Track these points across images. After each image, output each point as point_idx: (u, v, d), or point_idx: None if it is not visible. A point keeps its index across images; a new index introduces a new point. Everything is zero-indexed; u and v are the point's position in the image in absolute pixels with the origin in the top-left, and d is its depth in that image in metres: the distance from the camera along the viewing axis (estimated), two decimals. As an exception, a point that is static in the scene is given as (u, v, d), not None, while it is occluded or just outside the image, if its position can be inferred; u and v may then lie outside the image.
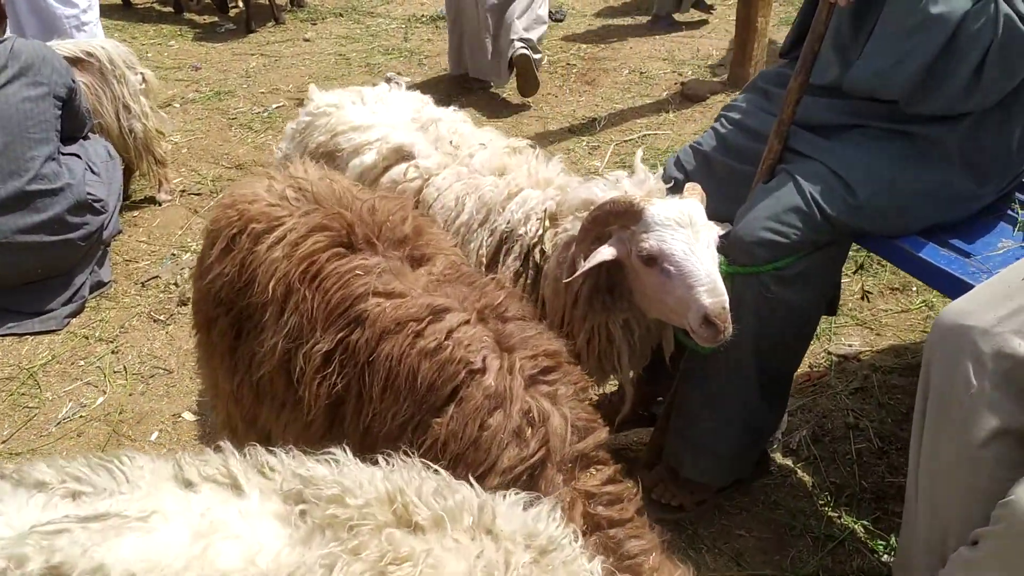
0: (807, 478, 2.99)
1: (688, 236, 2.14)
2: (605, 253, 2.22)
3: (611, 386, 3.19)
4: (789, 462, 3.06)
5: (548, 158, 2.74)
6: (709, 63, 6.90)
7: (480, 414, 1.91)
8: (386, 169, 2.75)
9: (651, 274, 2.18)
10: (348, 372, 2.04)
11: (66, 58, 4.52)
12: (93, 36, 5.70)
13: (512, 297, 2.13)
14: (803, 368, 3.52)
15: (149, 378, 3.68)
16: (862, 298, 3.69)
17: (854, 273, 3.73)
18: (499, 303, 2.07)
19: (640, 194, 2.30)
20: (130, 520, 1.24)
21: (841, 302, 3.76)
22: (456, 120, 2.91)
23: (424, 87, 6.78)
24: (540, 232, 2.50)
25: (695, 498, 2.67)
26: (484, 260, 2.55)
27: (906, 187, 2.23)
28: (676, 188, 2.47)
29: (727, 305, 2.07)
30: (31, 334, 3.99)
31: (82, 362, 3.81)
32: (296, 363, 2.09)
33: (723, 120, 2.63)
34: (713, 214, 2.47)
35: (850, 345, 3.60)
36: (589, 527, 1.85)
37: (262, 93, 6.82)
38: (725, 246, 2.33)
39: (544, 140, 5.76)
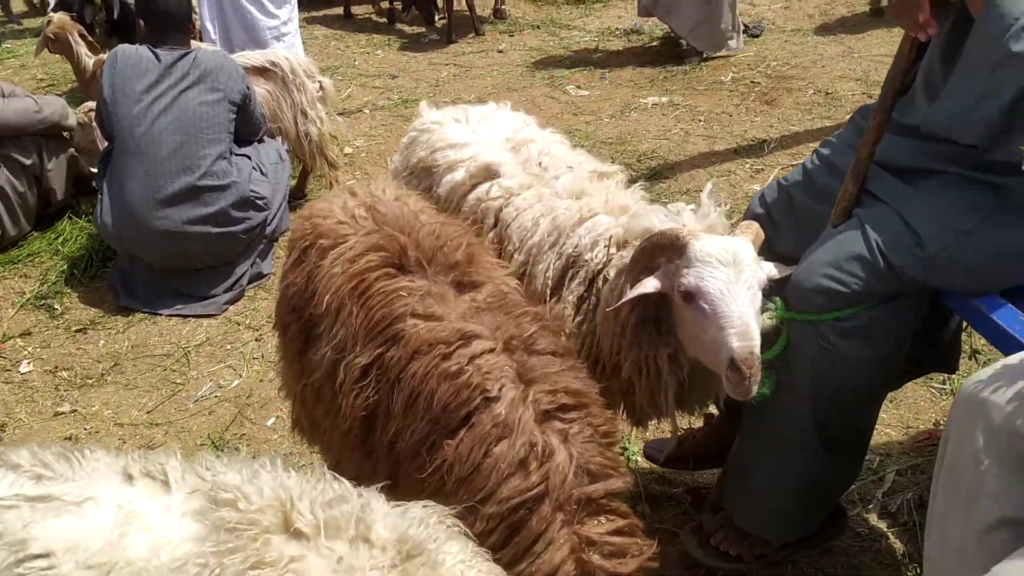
0: (899, 545, 2.74)
1: (728, 275, 2.04)
2: (648, 285, 2.17)
3: (696, 421, 3.09)
4: (883, 525, 2.82)
5: (629, 185, 2.69)
6: (907, 85, 6.42)
7: (487, 441, 1.93)
8: (473, 187, 2.81)
9: (689, 311, 2.10)
10: (381, 387, 2.13)
11: (253, 67, 4.99)
12: (291, 46, 6.22)
13: (546, 330, 2.13)
14: (927, 425, 3.22)
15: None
16: (970, 358, 3.31)
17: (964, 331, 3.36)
18: (530, 335, 2.08)
19: (696, 228, 2.22)
20: (68, 504, 1.39)
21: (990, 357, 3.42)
22: (550, 141, 2.92)
23: (599, 100, 6.81)
24: (606, 258, 2.47)
25: (754, 551, 2.52)
26: (550, 283, 2.56)
27: (982, 243, 1.99)
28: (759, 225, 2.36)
29: (756, 351, 1.96)
30: (194, 316, 4.42)
31: (229, 346, 4.18)
32: (339, 374, 2.21)
33: (815, 156, 2.47)
34: (785, 255, 2.35)
35: (987, 405, 3.24)
36: (580, 575, 1.82)
37: (445, 102, 7.06)
38: (784, 290, 2.20)
39: (707, 160, 5.62)
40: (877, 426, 2.94)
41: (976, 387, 1.59)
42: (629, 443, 3.23)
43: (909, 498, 2.90)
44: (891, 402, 3.27)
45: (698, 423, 3.07)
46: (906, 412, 3.28)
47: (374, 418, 2.15)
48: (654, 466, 3.11)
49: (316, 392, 2.37)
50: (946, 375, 3.34)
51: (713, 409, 2.91)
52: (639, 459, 3.18)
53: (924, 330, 2.38)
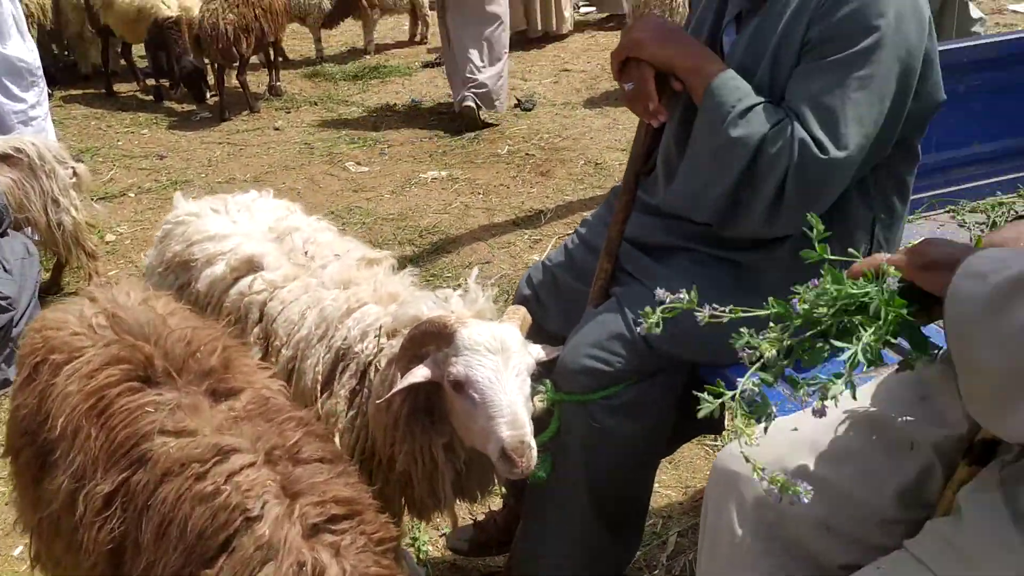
0: (686, 608, 2.80)
1: (496, 363, 2.03)
2: (418, 375, 2.12)
3: (495, 504, 3.04)
4: (670, 589, 2.88)
5: (398, 271, 2.65)
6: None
7: (250, 566, 1.77)
8: (235, 280, 2.67)
9: (460, 400, 2.07)
10: (128, 516, 1.93)
11: (-7, 154, 4.57)
12: (42, 130, 5.75)
13: (312, 436, 2.01)
14: (704, 483, 3.34)
15: (31, 485, 3.56)
16: (733, 418, 3.51)
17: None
18: (294, 443, 1.95)
19: (464, 314, 2.20)
20: None
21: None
22: (316, 229, 2.83)
23: (380, 176, 6.80)
24: (376, 349, 2.40)
25: (546, 633, 2.49)
26: (321, 378, 2.45)
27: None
28: (527, 306, 2.38)
29: (527, 439, 1.95)
30: (-75, 435, 3.90)
31: (-32, 466, 3.70)
32: (78, 505, 1.98)
33: (575, 235, 2.54)
34: (555, 335, 2.38)
35: (756, 458, 3.42)
36: None
37: (219, 183, 6.83)
38: (553, 372, 2.22)
39: (487, 232, 5.72)
40: (658, 489, 3.03)
41: (727, 458, 1.65)
42: (420, 532, 3.13)
43: (691, 559, 2.97)
44: (669, 463, 3.38)
45: (495, 505, 3.02)
46: (684, 472, 3.40)
47: (121, 552, 1.94)
48: (446, 554, 3.03)
49: (54, 525, 2.12)
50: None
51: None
52: (430, 548, 3.09)
53: (688, 399, 2.47)
